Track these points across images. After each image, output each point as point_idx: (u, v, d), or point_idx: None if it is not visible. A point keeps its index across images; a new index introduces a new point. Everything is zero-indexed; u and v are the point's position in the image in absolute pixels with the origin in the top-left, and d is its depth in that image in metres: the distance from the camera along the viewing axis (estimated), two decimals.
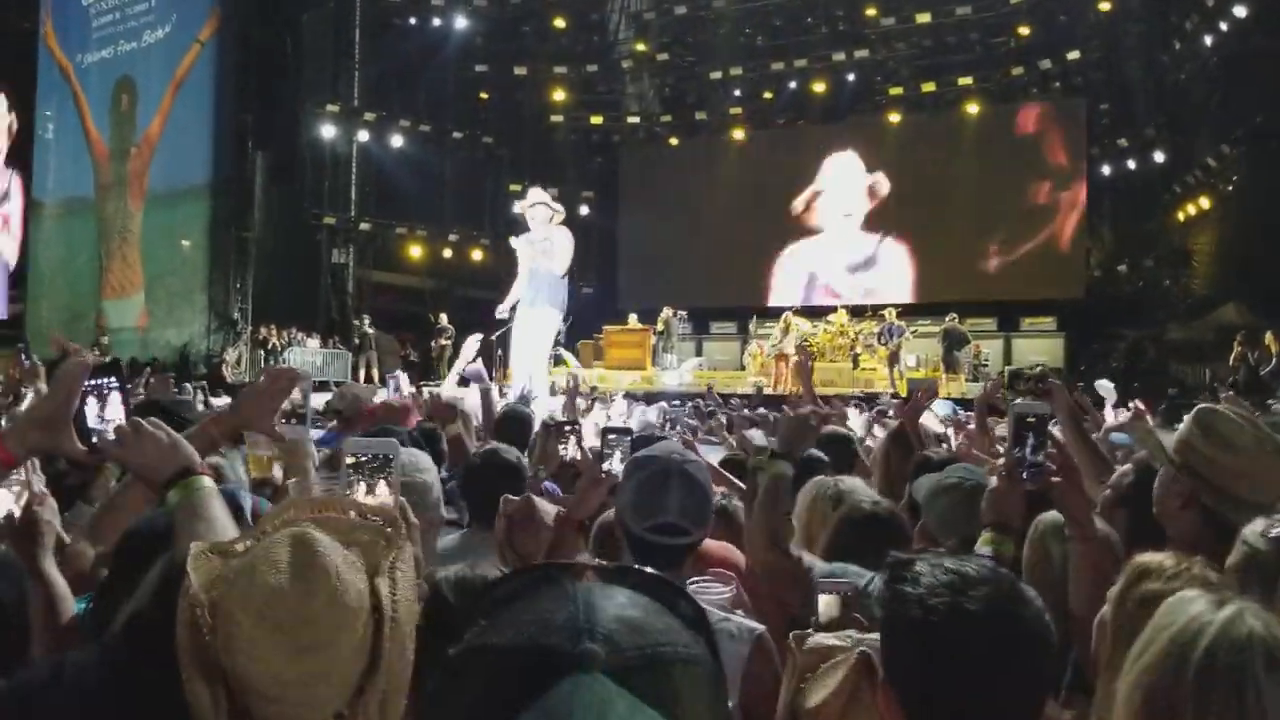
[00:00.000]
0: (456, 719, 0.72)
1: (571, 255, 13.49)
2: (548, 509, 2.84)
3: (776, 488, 2.59)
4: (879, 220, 22.52)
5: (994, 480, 2.26)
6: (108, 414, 1.99)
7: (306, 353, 20.38)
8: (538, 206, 13.74)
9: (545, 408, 8.59)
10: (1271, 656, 1.25)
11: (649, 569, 0.82)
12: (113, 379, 2.00)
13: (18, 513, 1.87)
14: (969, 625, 1.41)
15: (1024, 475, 2.20)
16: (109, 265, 23.89)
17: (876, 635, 1.67)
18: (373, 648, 1.34)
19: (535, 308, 13.44)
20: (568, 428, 4.16)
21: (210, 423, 2.45)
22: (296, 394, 2.76)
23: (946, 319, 18.13)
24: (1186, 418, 2.37)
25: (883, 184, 22.39)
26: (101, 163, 24.35)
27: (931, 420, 5.84)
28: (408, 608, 1.39)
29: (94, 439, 1.95)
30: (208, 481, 1.87)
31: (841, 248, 22.92)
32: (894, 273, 22.24)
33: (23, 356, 5.54)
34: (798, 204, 23.24)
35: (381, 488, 2.03)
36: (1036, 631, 1.47)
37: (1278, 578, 1.75)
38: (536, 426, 4.91)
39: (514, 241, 14.09)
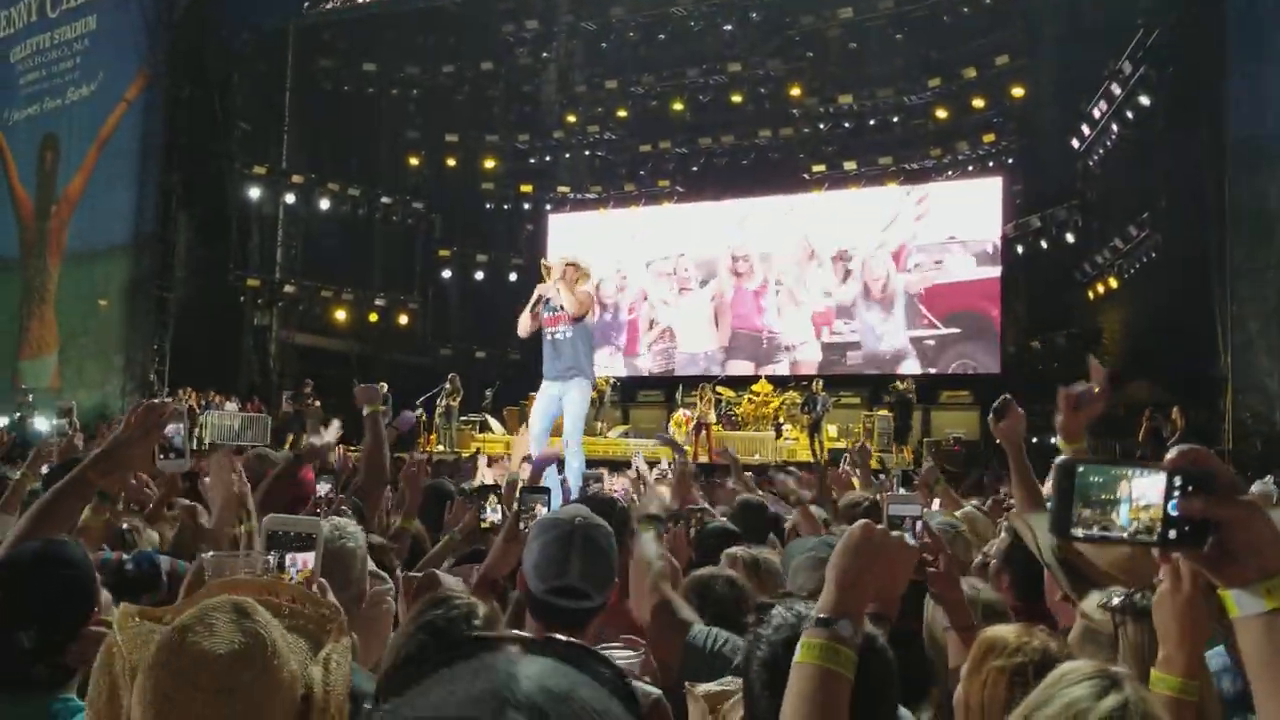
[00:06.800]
0: None
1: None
2: (450, 580, 2.81)
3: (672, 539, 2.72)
4: (803, 292, 22.83)
5: None
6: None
7: (225, 416, 19.97)
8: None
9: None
10: None
11: (572, 639, 0.79)
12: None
13: None
14: None
15: None
16: (28, 325, 23.40)
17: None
18: None
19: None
20: (491, 493, 4.10)
21: (87, 467, 2.46)
22: (170, 429, 2.67)
23: (900, 385, 18.45)
24: None
25: (805, 256, 22.75)
26: (26, 221, 23.96)
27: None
28: (339, 700, 1.35)
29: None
30: None
31: (764, 319, 23.17)
32: (814, 344, 22.50)
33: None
34: (724, 274, 23.51)
35: (303, 566, 1.96)
36: (877, 661, 1.51)
37: (1114, 645, 1.80)
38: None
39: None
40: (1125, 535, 1.19)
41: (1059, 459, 1.26)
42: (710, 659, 2.36)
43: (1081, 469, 1.20)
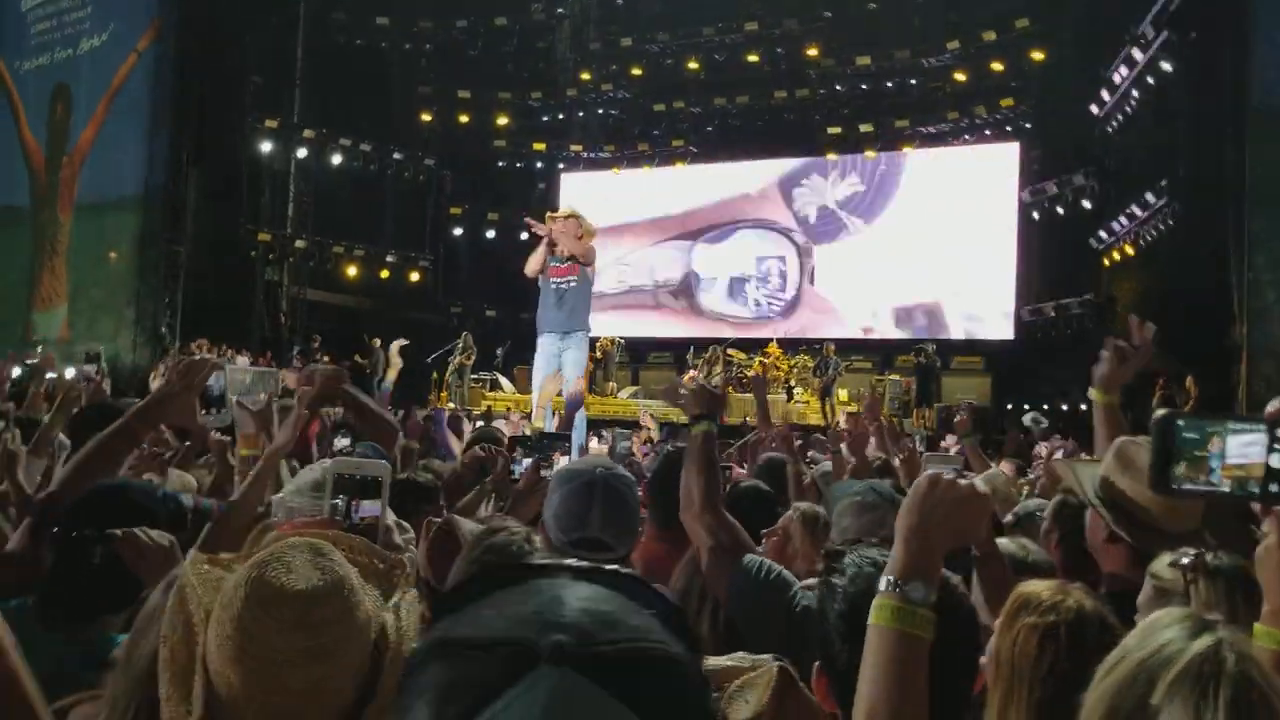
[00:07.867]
0: (420, 714, 0.66)
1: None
2: (469, 527, 2.80)
3: (709, 441, 2.55)
4: (813, 254, 22.74)
5: None
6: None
7: (236, 371, 19.95)
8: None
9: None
10: (1235, 702, 1.18)
11: (624, 570, 0.77)
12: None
13: None
14: None
15: None
16: (39, 276, 23.39)
17: (768, 655, 1.69)
18: (372, 679, 1.26)
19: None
20: (519, 445, 4.02)
21: (132, 417, 2.55)
22: (211, 382, 2.75)
23: (923, 349, 18.45)
24: (1109, 452, 2.41)
25: (818, 219, 22.65)
26: (37, 172, 23.86)
27: None
28: (409, 649, 1.32)
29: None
30: None
31: (777, 282, 23.11)
32: (827, 308, 22.44)
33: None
34: (736, 236, 23.41)
35: (368, 511, 1.96)
36: (960, 614, 1.47)
37: (1185, 603, 1.80)
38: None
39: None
40: (1225, 490, 1.17)
41: (1158, 413, 1.23)
42: (761, 586, 2.32)
43: (1181, 423, 1.17)
